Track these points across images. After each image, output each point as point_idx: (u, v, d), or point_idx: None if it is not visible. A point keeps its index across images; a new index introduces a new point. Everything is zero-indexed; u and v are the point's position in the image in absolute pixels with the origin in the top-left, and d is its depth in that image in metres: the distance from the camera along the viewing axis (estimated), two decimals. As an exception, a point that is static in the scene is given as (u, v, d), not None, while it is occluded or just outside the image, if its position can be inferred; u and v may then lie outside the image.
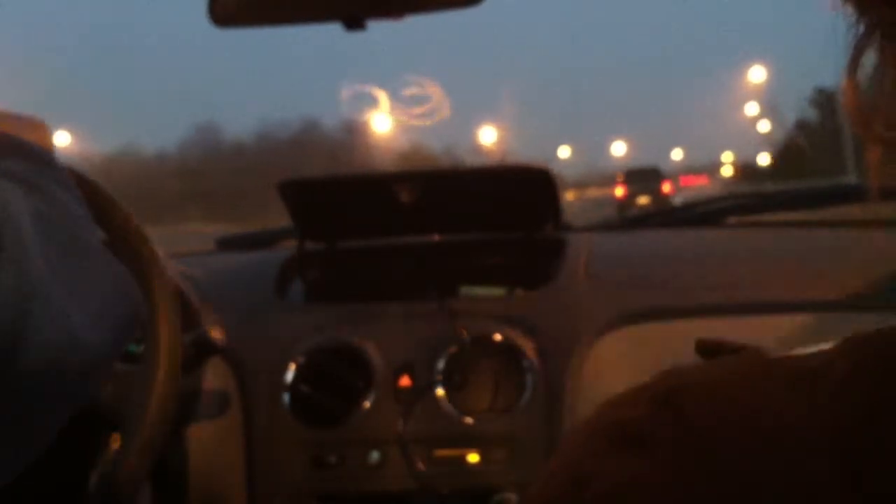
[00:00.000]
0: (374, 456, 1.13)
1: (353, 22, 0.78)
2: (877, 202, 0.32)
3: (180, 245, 1.62)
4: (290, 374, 1.17)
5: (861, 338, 0.27)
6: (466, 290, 1.31)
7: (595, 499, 0.27)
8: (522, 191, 1.32)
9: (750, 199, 1.62)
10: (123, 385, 0.85)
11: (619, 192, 23.32)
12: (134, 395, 0.84)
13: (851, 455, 0.24)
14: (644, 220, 1.58)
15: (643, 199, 22.08)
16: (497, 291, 1.30)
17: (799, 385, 0.27)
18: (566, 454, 0.29)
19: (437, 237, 1.43)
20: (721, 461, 0.25)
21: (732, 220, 1.52)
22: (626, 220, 1.65)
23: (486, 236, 1.40)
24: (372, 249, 1.42)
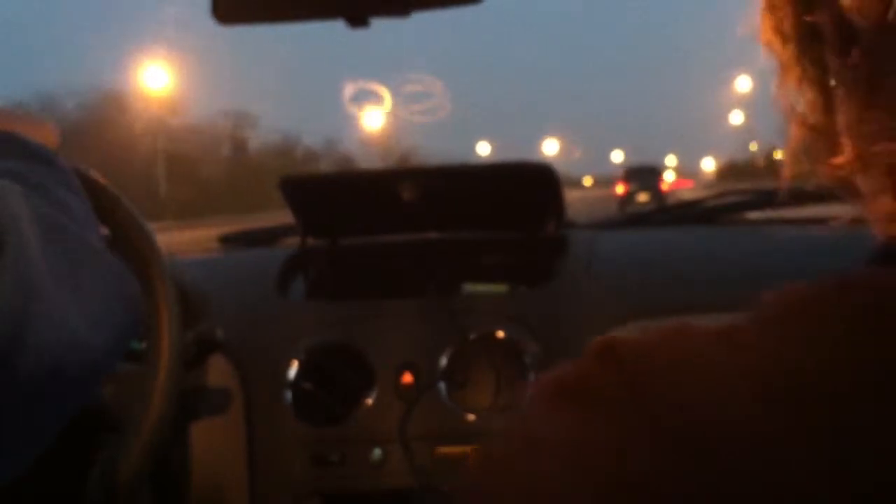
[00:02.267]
0: (376, 454, 1.13)
1: (357, 19, 0.77)
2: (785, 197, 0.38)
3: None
4: (291, 372, 1.16)
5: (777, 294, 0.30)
6: (469, 288, 1.31)
7: (538, 447, 0.28)
8: (525, 188, 1.31)
9: (752, 197, 1.62)
10: (125, 383, 0.85)
11: (620, 189, 23.87)
12: (135, 393, 0.84)
13: (769, 385, 0.26)
14: (647, 218, 1.57)
15: (643, 196, 22.72)
16: (499, 289, 1.29)
17: (723, 334, 0.29)
18: (519, 416, 0.31)
19: (439, 235, 1.43)
20: (664, 407, 0.27)
21: (735, 217, 1.51)
22: (629, 217, 1.65)
23: (489, 234, 1.40)
24: (374, 247, 1.42)
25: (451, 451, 1.12)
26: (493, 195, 1.33)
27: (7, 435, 0.41)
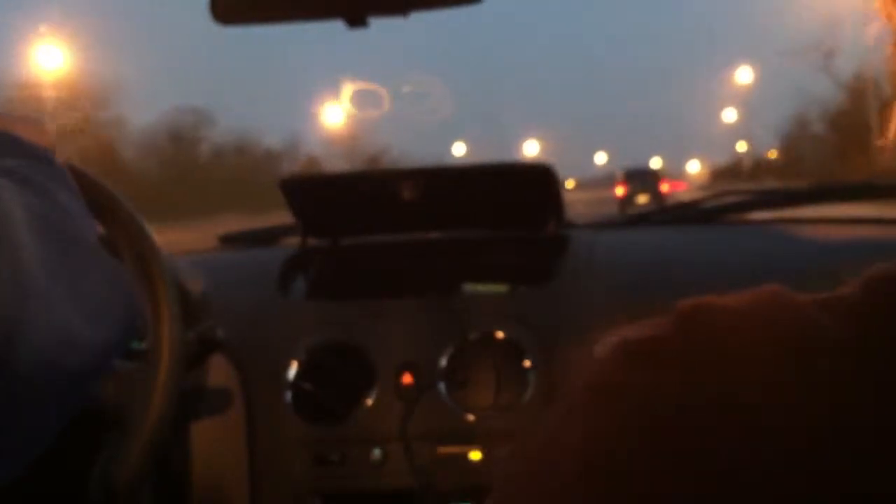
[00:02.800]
0: (377, 453, 1.13)
1: (356, 19, 0.77)
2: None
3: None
4: (292, 372, 1.16)
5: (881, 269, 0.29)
6: (469, 288, 1.31)
7: (612, 401, 0.27)
8: (525, 188, 1.31)
9: (751, 197, 1.62)
10: (125, 382, 0.85)
11: (620, 190, 24.17)
12: (136, 392, 0.84)
13: (875, 361, 0.25)
14: (646, 218, 1.57)
15: (643, 198, 23.07)
16: (499, 289, 1.29)
17: (827, 303, 0.28)
18: (587, 367, 0.30)
19: (439, 235, 1.43)
20: (746, 369, 0.26)
21: (734, 217, 1.51)
22: (629, 217, 1.65)
23: (489, 234, 1.40)
24: (374, 247, 1.42)
25: (452, 451, 1.12)
26: (493, 195, 1.33)
27: (7, 435, 0.41)
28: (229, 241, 1.63)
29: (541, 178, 1.28)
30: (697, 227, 1.47)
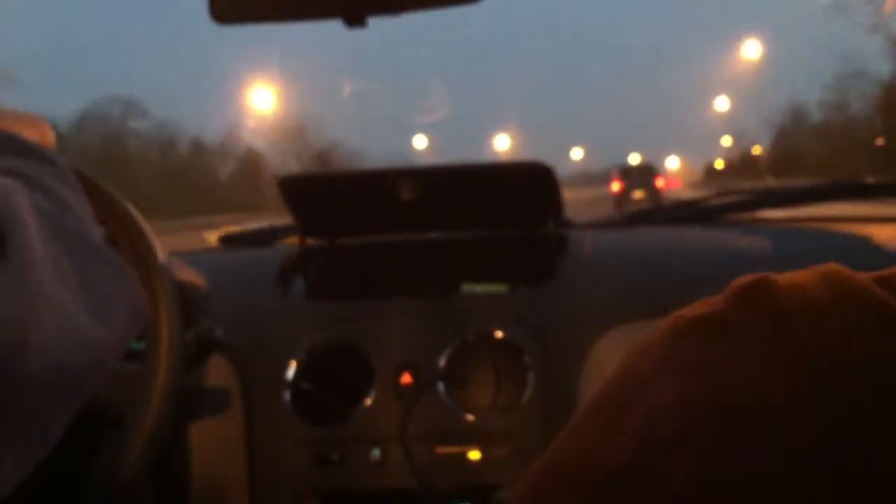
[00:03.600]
0: (376, 453, 1.13)
1: (355, 19, 0.77)
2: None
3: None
4: (291, 372, 1.17)
5: None
6: (467, 288, 1.31)
7: (677, 373, 0.27)
8: (523, 188, 1.31)
9: (750, 196, 1.62)
10: (125, 382, 0.85)
11: (616, 186, 24.63)
12: (135, 392, 0.84)
13: None
14: (645, 217, 1.57)
15: (638, 194, 23.67)
16: (498, 288, 1.29)
17: (883, 279, 0.27)
18: (647, 345, 0.29)
19: (438, 234, 1.43)
20: (812, 342, 0.26)
21: (734, 216, 1.52)
22: (627, 216, 1.65)
23: (488, 233, 1.40)
24: (373, 246, 1.42)
25: (450, 451, 1.12)
26: (492, 195, 1.33)
27: (15, 435, 0.41)
28: (228, 241, 1.64)
29: (539, 178, 1.28)
30: (695, 227, 1.47)
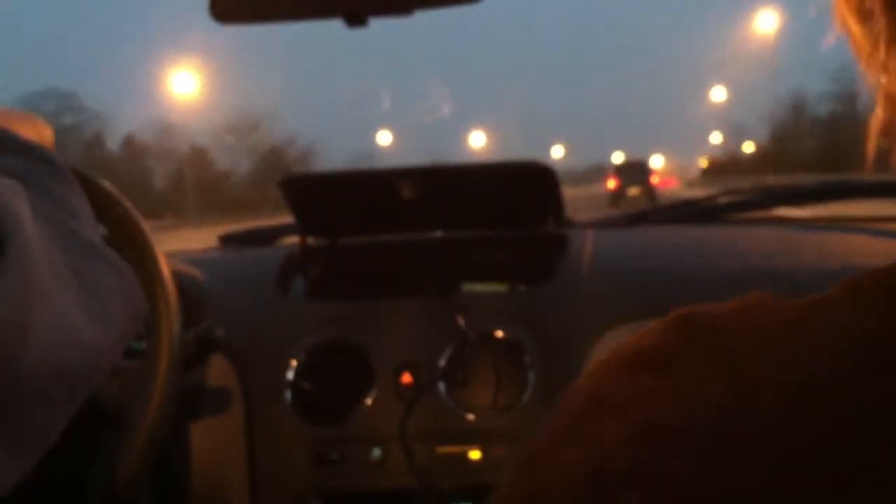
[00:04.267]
0: (376, 453, 1.13)
1: (355, 19, 0.77)
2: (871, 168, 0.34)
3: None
4: (291, 371, 1.17)
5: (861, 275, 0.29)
6: (468, 287, 1.31)
7: (613, 412, 0.27)
8: (524, 187, 1.31)
9: (750, 195, 1.62)
10: (125, 382, 0.85)
11: (612, 184, 25.27)
12: (136, 391, 0.84)
13: (872, 361, 0.26)
14: (645, 216, 1.57)
15: (634, 191, 24.38)
16: (499, 288, 1.29)
17: (815, 305, 0.28)
18: (585, 379, 0.31)
19: (438, 234, 1.43)
20: (742, 371, 0.26)
21: (733, 215, 1.52)
22: (628, 216, 1.65)
23: (488, 233, 1.40)
24: (374, 246, 1.42)
25: (451, 451, 1.12)
26: (492, 194, 1.33)
27: (13, 435, 0.41)
28: (229, 240, 1.64)
29: (539, 178, 1.28)
30: (696, 226, 1.47)
